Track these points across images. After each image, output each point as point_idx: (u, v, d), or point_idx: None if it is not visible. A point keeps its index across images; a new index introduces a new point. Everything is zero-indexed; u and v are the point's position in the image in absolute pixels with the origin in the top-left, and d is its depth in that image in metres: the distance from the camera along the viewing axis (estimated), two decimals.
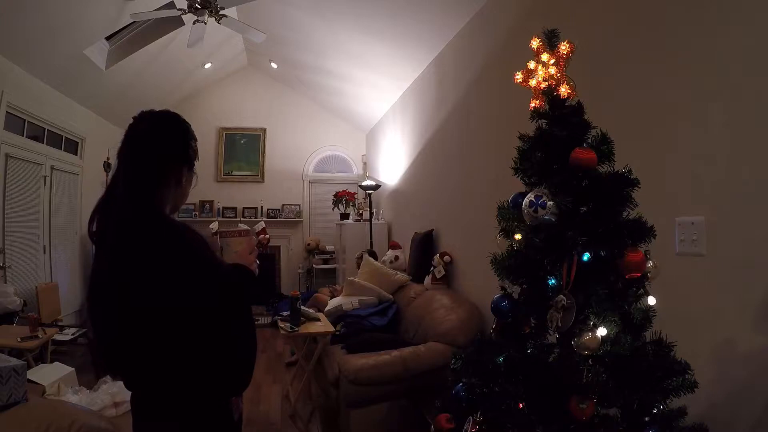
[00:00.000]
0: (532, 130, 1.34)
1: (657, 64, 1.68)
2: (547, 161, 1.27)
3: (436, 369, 2.61)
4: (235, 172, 7.27)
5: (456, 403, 1.33)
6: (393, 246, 5.03)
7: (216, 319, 1.12)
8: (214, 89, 7.19)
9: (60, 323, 4.31)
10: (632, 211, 1.22)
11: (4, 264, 4.00)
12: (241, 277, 1.18)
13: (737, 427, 1.35)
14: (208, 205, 6.98)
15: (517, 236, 1.32)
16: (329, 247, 6.97)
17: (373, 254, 4.89)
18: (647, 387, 1.12)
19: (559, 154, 1.24)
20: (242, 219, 6.99)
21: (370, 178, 6.06)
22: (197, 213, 6.90)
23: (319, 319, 3.61)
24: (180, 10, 3.63)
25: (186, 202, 1.32)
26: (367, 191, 5.57)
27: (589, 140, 1.27)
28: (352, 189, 6.50)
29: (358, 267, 4.70)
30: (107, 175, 5.83)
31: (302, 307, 3.59)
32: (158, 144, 1.19)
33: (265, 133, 7.33)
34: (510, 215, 1.35)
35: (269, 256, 7.08)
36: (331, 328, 3.47)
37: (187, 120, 1.29)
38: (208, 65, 6.28)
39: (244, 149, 7.32)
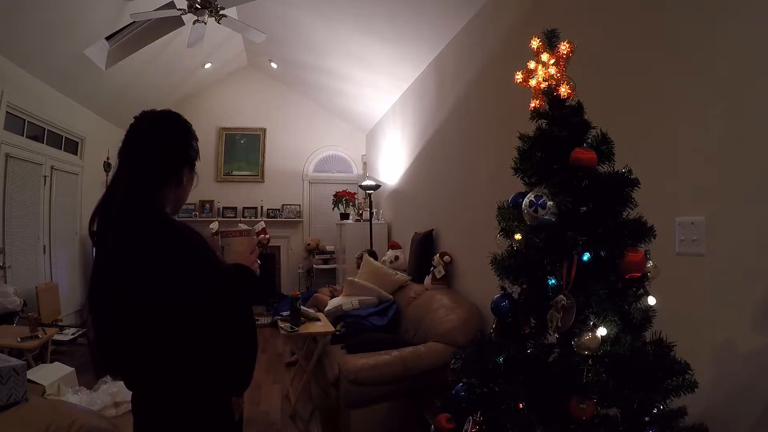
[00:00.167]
0: (532, 130, 1.34)
1: (657, 64, 1.68)
2: (547, 161, 1.27)
3: (436, 369, 2.61)
4: (235, 172, 7.27)
5: (456, 403, 1.33)
6: (393, 246, 5.03)
7: (216, 319, 1.12)
8: (214, 89, 7.19)
9: (60, 323, 4.30)
10: (632, 211, 1.22)
11: (4, 264, 4.00)
12: (243, 276, 1.18)
13: (737, 427, 1.35)
14: (208, 205, 6.99)
15: (517, 236, 1.32)
16: (329, 247, 6.97)
17: (373, 254, 4.89)
18: (647, 387, 1.12)
19: (559, 154, 1.24)
20: (242, 219, 6.99)
21: (370, 178, 6.06)
22: (197, 213, 6.89)
23: (319, 319, 3.61)
24: (180, 10, 3.63)
25: (186, 202, 1.32)
26: (367, 191, 5.57)
27: (589, 140, 1.27)
28: (352, 189, 6.51)
29: (358, 267, 4.71)
30: (107, 175, 5.83)
31: (302, 307, 3.60)
32: (159, 144, 1.19)
33: (265, 133, 7.33)
34: (510, 215, 1.35)
35: (269, 256, 7.08)
36: (331, 328, 3.47)
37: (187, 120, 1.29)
38: (208, 65, 6.28)
39: (244, 149, 7.32)
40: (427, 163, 4.45)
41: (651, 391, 1.13)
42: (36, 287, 4.19)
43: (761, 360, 1.30)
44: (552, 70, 1.29)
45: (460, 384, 1.34)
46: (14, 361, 1.98)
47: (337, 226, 6.43)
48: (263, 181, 7.28)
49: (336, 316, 3.77)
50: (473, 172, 3.36)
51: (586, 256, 1.18)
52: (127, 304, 1.06)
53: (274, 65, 6.61)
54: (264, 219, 6.75)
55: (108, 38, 4.48)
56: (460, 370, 1.34)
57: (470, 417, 1.27)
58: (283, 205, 7.23)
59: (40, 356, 3.41)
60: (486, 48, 3.14)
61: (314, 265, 6.95)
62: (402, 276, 4.20)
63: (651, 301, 1.22)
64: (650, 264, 1.21)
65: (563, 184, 1.22)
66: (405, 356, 2.73)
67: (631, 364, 1.12)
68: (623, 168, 1.23)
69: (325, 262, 6.90)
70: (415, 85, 4.74)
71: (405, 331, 3.49)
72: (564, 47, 1.27)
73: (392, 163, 5.73)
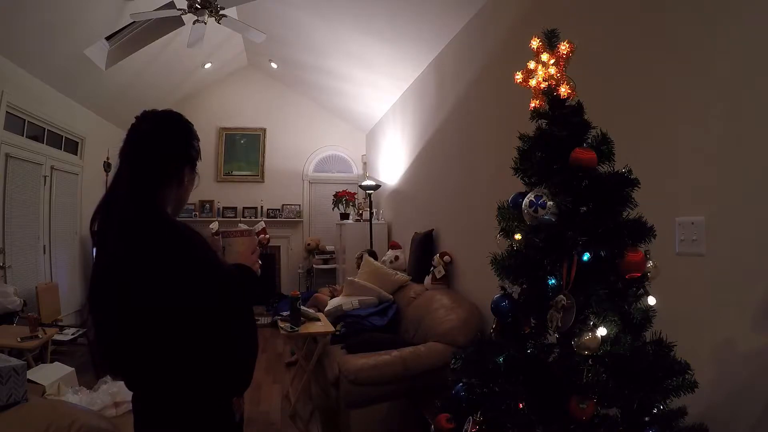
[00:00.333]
0: (532, 130, 1.34)
1: (657, 64, 1.68)
2: (547, 161, 1.27)
3: (436, 369, 2.61)
4: (235, 172, 7.27)
5: (456, 403, 1.33)
6: (393, 246, 5.03)
7: (217, 319, 1.12)
8: (214, 89, 7.19)
9: (60, 323, 4.31)
10: (632, 211, 1.22)
11: (4, 264, 4.00)
12: (243, 277, 1.18)
13: (737, 427, 1.35)
14: (208, 205, 6.99)
15: (517, 236, 1.32)
16: (329, 247, 6.97)
17: (373, 254, 4.89)
18: (647, 387, 1.12)
19: (559, 154, 1.24)
20: (242, 219, 6.99)
21: (370, 178, 6.06)
22: (197, 213, 6.90)
23: (319, 319, 3.61)
24: (180, 10, 3.63)
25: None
26: (367, 191, 5.57)
27: (589, 140, 1.27)
28: (352, 189, 6.51)
29: (358, 267, 4.71)
30: (107, 175, 5.84)
31: (302, 307, 3.60)
32: (161, 144, 1.19)
33: (265, 133, 7.33)
34: (510, 215, 1.35)
35: (269, 256, 7.08)
36: (331, 328, 3.47)
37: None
38: (208, 65, 6.28)
39: (244, 149, 7.32)
40: (427, 163, 4.45)
41: (651, 391, 1.13)
42: (36, 287, 4.19)
43: (761, 360, 1.30)
44: (552, 70, 1.29)
45: (460, 384, 1.34)
46: (14, 361, 1.98)
47: (337, 226, 6.43)
48: (263, 181, 7.28)
49: (336, 316, 3.78)
50: (473, 172, 3.36)
51: (586, 256, 1.18)
52: (128, 304, 1.06)
53: (274, 65, 6.61)
54: (264, 219, 6.75)
55: (108, 38, 4.48)
56: (460, 370, 1.34)
57: (470, 417, 1.27)
58: (283, 205, 7.24)
59: (40, 356, 3.41)
60: (486, 48, 3.14)
61: (314, 265, 6.95)
62: (402, 276, 4.20)
63: (651, 301, 1.22)
64: (650, 264, 1.21)
65: (563, 184, 1.22)
66: (405, 356, 2.73)
67: (631, 364, 1.12)
68: (623, 168, 1.23)
69: (325, 262, 6.90)
70: (415, 85, 4.74)
71: (405, 331, 3.49)
72: (564, 47, 1.27)
73: (392, 163, 5.73)
